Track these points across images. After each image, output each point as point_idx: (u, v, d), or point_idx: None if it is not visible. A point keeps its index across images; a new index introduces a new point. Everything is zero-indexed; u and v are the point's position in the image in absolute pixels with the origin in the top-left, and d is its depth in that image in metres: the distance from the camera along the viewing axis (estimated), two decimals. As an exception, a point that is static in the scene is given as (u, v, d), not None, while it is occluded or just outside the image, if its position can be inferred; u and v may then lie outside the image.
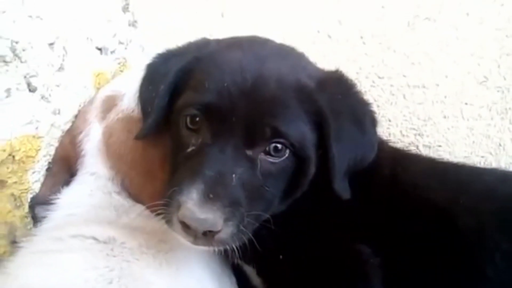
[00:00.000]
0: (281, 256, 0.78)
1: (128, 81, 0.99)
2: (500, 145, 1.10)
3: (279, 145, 0.72)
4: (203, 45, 0.84)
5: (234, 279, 0.94)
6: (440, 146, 1.14)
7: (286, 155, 0.73)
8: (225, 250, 0.73)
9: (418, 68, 1.12)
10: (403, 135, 1.15)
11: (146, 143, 0.88)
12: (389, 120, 1.16)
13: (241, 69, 0.73)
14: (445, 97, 1.12)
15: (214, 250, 0.75)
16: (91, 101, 1.00)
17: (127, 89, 0.96)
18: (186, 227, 0.66)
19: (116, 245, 0.79)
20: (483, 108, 1.11)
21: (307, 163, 0.75)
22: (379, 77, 1.14)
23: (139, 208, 0.88)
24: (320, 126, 0.75)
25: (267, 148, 0.73)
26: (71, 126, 0.98)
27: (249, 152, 0.72)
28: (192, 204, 0.65)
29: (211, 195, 0.65)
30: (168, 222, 0.70)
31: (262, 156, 0.73)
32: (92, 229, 0.81)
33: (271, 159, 0.73)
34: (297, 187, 0.78)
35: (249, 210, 0.70)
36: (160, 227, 0.76)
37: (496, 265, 0.72)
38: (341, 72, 0.85)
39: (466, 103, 1.10)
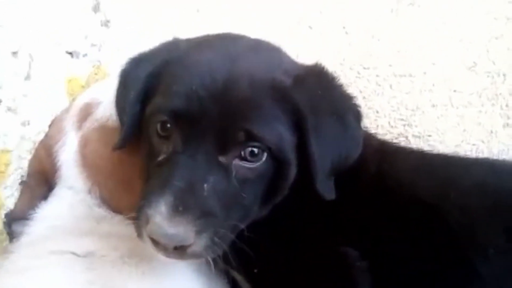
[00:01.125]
0: (265, 263, 0.74)
1: (105, 89, 0.95)
2: (491, 132, 1.07)
3: (255, 149, 0.68)
4: (172, 47, 0.80)
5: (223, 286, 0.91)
6: (430, 135, 1.10)
7: (264, 159, 0.69)
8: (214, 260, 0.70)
9: (404, 56, 1.08)
10: (392, 126, 1.12)
11: (123, 152, 0.84)
12: (377, 112, 1.12)
13: (210, 70, 0.69)
14: (433, 85, 1.08)
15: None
16: (67, 109, 0.96)
17: (104, 97, 0.92)
18: (156, 242, 0.63)
19: (96, 258, 0.76)
20: (472, 95, 1.07)
21: (287, 166, 0.71)
22: (364, 68, 1.10)
23: (120, 217, 0.85)
24: (299, 125, 0.71)
25: (242, 153, 0.68)
26: (46, 136, 0.95)
27: (222, 159, 0.67)
28: (160, 218, 0.61)
29: (180, 208, 0.61)
30: (139, 236, 0.67)
31: (237, 162, 0.68)
32: (71, 244, 0.78)
33: (247, 165, 0.68)
34: (277, 192, 0.74)
35: (224, 220, 0.66)
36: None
37: (489, 262, 0.69)
38: (321, 65, 0.80)
39: (455, 90, 1.07)
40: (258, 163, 0.69)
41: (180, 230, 0.60)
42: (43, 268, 0.74)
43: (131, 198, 0.82)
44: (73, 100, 0.98)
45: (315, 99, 0.73)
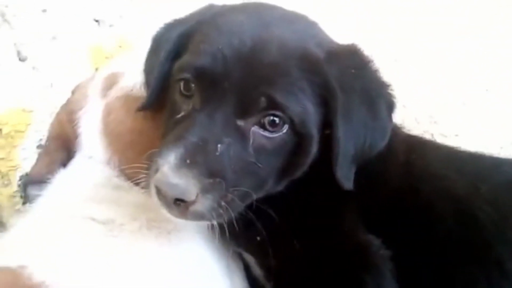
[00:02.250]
0: (280, 246, 0.72)
1: (131, 59, 0.94)
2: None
3: (276, 119, 0.65)
4: (206, 9, 0.78)
5: (241, 265, 0.89)
6: (457, 135, 1.07)
7: (284, 130, 0.66)
8: (222, 231, 0.67)
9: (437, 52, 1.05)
10: (418, 123, 1.09)
11: (145, 123, 0.84)
12: (404, 106, 1.09)
13: (240, 31, 0.67)
14: (465, 82, 1.04)
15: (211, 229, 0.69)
16: (91, 78, 0.95)
17: (129, 68, 0.91)
18: (160, 193, 0.61)
19: (115, 226, 0.75)
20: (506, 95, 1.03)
21: (308, 142, 0.68)
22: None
23: (138, 188, 0.82)
24: (327, 102, 0.68)
25: (262, 121, 0.66)
26: (68, 101, 0.94)
27: (240, 123, 0.65)
28: (167, 167, 0.59)
29: (188, 161, 0.60)
30: (146, 186, 0.65)
31: (255, 129, 0.66)
32: (90, 209, 0.77)
33: (266, 134, 0.66)
34: (295, 168, 0.71)
35: (234, 186, 0.63)
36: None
37: None
38: (357, 45, 0.77)
39: (487, 90, 1.03)
40: (278, 134, 0.66)
41: (183, 181, 0.58)
42: (62, 231, 0.73)
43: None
44: (97, 69, 0.96)
45: (347, 77, 0.70)
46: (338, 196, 0.74)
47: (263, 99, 0.64)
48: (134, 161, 0.84)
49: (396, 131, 0.83)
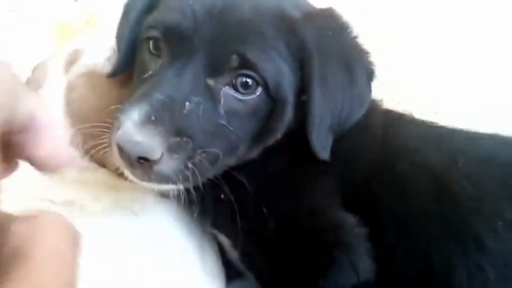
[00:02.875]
0: (251, 221, 0.69)
1: (96, 36, 0.90)
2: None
3: (248, 80, 0.63)
4: None
5: (216, 247, 0.85)
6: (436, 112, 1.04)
7: (258, 93, 0.64)
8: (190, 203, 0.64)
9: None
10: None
11: (110, 101, 0.78)
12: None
13: None
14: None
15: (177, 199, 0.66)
16: (53, 54, 0.90)
17: (93, 44, 0.87)
18: (122, 152, 0.57)
19: (75, 208, 0.72)
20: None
21: (283, 107, 0.66)
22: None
23: (104, 170, 0.80)
24: (303, 65, 0.65)
25: (233, 81, 0.63)
26: (28, 80, 0.88)
27: (210, 82, 0.62)
28: (130, 124, 0.56)
29: (153, 118, 0.57)
30: (108, 146, 0.62)
31: (227, 89, 0.63)
32: (49, 191, 0.73)
33: (238, 96, 0.63)
34: (269, 134, 0.68)
35: (203, 147, 0.61)
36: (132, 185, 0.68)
37: (498, 235, 0.64)
38: (335, 10, 0.74)
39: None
40: (250, 97, 0.64)
41: (147, 139, 0.55)
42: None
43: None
44: (62, 46, 0.91)
45: (324, 39, 0.67)
46: (313, 169, 0.72)
47: (234, 57, 0.61)
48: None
49: (374, 105, 0.80)
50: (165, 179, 0.59)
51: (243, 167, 0.70)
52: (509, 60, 1.02)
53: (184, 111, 0.59)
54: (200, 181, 0.62)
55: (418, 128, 0.80)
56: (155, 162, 0.57)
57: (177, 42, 0.63)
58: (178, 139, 0.58)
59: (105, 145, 0.63)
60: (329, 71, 0.66)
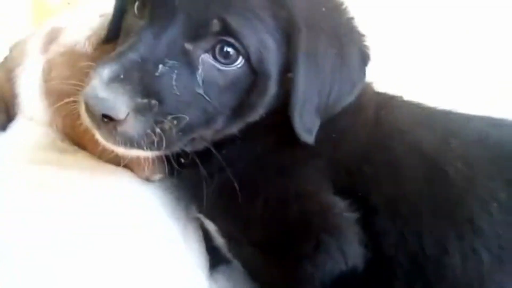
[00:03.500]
0: (235, 203, 0.66)
1: (75, 14, 0.87)
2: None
3: (229, 49, 0.59)
4: None
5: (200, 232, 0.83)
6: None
7: (239, 65, 0.60)
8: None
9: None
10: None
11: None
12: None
13: None
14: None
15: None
16: (33, 33, 0.86)
17: (72, 22, 0.83)
18: (88, 109, 0.55)
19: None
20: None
21: (265, 81, 0.62)
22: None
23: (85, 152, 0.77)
24: (290, 39, 0.62)
25: (214, 49, 0.60)
26: (6, 59, 0.85)
27: (188, 46, 0.59)
28: (98, 81, 0.53)
29: (122, 76, 0.54)
30: (79, 103, 0.59)
31: (206, 57, 0.60)
32: (27, 171, 0.70)
33: (218, 65, 0.60)
34: (249, 109, 0.65)
35: (174, 114, 0.57)
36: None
37: (492, 217, 0.62)
38: None
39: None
40: (231, 68, 0.60)
41: (112, 96, 0.53)
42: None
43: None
44: (40, 25, 0.87)
45: (316, 14, 0.64)
46: (303, 151, 0.69)
47: (215, 21, 0.58)
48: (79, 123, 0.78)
49: (366, 86, 0.77)
50: (130, 141, 0.57)
51: (229, 146, 0.67)
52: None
53: (157, 73, 0.56)
54: (169, 149, 0.60)
55: (410, 110, 0.78)
56: (119, 122, 0.54)
57: (158, 3, 0.60)
58: (146, 100, 0.55)
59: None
60: (318, 48, 0.63)
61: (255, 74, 0.62)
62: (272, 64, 0.62)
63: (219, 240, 0.79)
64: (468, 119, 0.76)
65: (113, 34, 0.73)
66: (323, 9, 0.65)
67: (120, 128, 0.55)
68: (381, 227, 0.66)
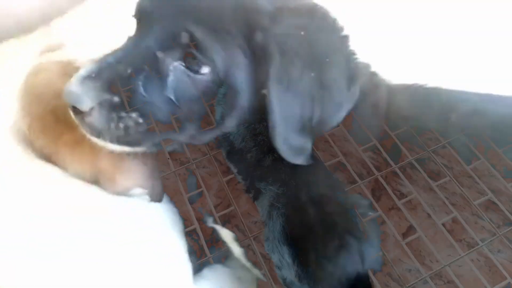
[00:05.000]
0: None
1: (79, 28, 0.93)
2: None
3: (197, 60, 0.62)
4: None
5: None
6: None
7: (207, 74, 0.63)
8: None
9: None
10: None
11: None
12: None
13: None
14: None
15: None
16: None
17: (75, 38, 0.89)
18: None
19: None
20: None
21: (235, 95, 0.65)
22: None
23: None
24: (262, 63, 0.62)
25: (184, 58, 0.63)
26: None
27: (160, 54, 0.63)
28: (74, 78, 0.61)
29: (93, 75, 0.61)
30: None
31: (177, 65, 0.64)
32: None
33: (188, 72, 0.64)
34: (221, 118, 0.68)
35: (140, 112, 0.63)
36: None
37: None
38: (319, 5, 0.69)
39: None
40: (199, 76, 0.63)
41: (78, 90, 0.59)
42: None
43: (72, 136, 0.72)
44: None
45: (293, 39, 0.62)
46: None
47: (184, 34, 0.62)
48: (53, 126, 0.75)
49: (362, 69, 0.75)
50: (95, 132, 0.63)
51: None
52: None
53: (125, 75, 0.62)
54: (139, 145, 0.65)
55: (408, 93, 0.74)
56: (85, 114, 0.61)
57: (141, 18, 0.66)
58: (110, 97, 0.61)
59: None
60: (292, 74, 0.62)
61: (224, 85, 0.64)
62: (242, 79, 0.64)
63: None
64: (461, 93, 0.71)
65: None
66: (302, 32, 0.63)
67: (86, 119, 0.62)
68: None
